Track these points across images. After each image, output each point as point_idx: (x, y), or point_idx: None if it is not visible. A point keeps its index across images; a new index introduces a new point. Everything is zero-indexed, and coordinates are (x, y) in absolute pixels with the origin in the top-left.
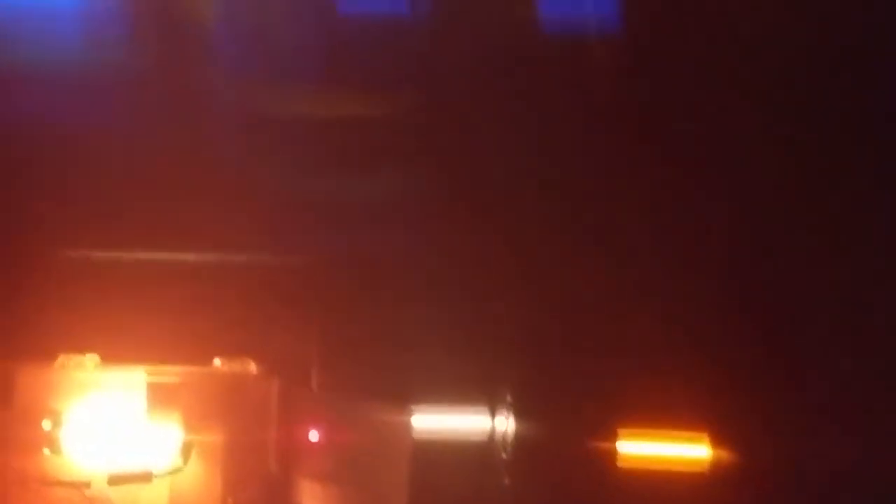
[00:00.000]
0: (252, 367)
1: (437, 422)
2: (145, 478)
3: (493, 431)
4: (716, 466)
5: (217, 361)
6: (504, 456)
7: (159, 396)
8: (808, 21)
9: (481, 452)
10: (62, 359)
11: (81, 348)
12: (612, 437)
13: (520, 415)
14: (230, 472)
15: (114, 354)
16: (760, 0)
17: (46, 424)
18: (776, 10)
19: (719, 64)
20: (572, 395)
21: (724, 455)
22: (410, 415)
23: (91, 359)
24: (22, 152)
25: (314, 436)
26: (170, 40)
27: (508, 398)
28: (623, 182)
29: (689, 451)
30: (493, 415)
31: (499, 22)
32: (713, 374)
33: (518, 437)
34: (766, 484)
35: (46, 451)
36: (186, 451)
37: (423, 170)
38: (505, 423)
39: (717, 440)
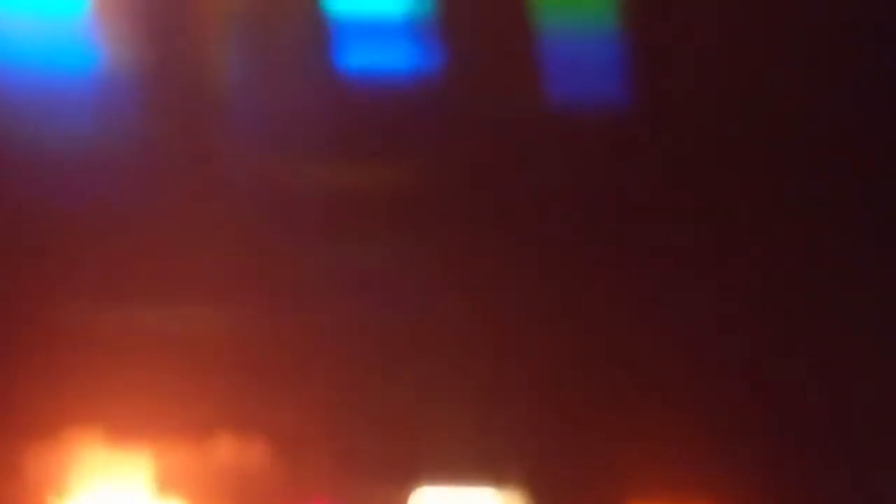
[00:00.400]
0: (259, 443)
1: (443, 499)
2: None
3: None
4: None
5: (223, 437)
6: None
7: (165, 473)
8: (830, 91)
9: None
10: (67, 433)
11: (86, 423)
12: None
13: (528, 492)
14: None
15: (120, 429)
16: (781, 80)
17: (52, 502)
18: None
19: (732, 140)
20: (581, 472)
21: None
22: (417, 491)
23: (97, 433)
24: (28, 223)
25: None
26: (174, 108)
27: (516, 475)
28: (629, 266)
29: None
30: (500, 492)
31: (506, 97)
32: (727, 454)
33: None
34: None
35: None
36: None
37: (430, 238)
38: (513, 501)
39: None
